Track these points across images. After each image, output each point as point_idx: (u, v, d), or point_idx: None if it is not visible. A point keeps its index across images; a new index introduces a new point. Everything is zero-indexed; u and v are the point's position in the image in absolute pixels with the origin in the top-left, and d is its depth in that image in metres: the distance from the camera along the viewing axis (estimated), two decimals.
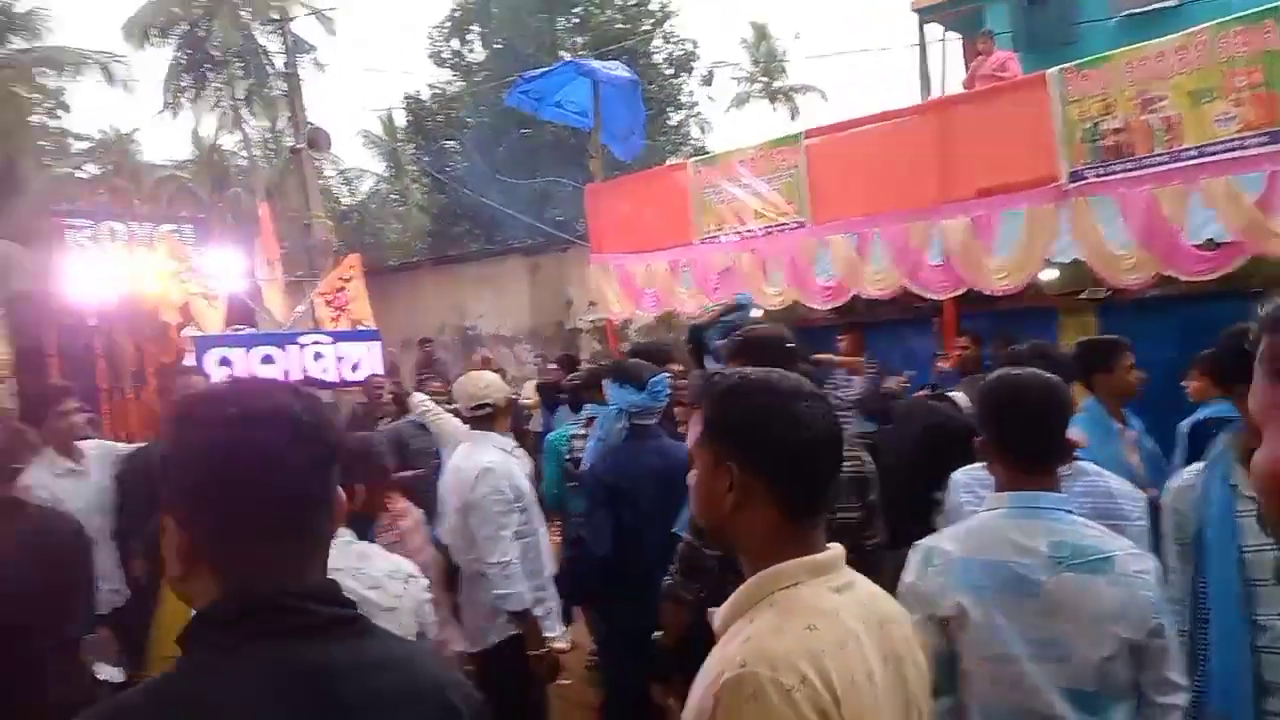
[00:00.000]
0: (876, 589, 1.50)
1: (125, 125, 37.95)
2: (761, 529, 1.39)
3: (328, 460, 1.16)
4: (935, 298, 6.59)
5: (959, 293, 6.39)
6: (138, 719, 1.05)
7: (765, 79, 33.63)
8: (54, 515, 3.32)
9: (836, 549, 1.43)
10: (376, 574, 2.39)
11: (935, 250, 6.45)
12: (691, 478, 1.48)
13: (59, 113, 29.67)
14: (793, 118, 32.91)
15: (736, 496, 1.39)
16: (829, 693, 1.22)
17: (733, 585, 2.65)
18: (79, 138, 30.94)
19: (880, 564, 2.98)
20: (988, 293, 6.20)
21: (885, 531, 3.01)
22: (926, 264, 6.49)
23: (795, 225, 7.43)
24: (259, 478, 1.10)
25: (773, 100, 33.59)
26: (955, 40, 14.99)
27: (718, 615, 1.43)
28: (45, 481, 4.22)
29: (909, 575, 2.10)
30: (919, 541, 2.16)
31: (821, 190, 7.30)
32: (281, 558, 1.11)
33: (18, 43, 23.39)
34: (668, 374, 3.92)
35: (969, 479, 2.84)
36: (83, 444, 4.66)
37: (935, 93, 13.63)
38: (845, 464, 2.82)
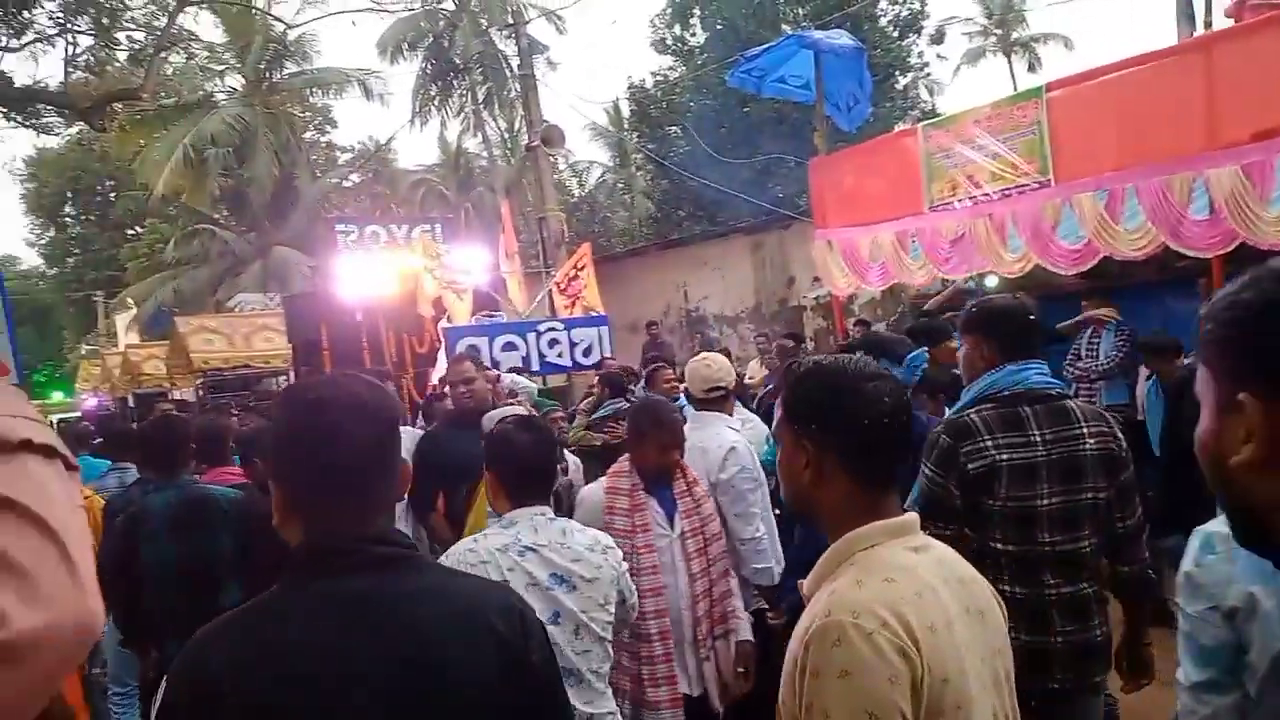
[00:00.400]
0: (954, 553, 1.57)
1: (382, 135, 41.41)
2: (838, 499, 1.51)
3: (387, 438, 1.44)
4: (1200, 256, 5.94)
5: (1229, 249, 5.72)
6: (234, 627, 1.35)
7: (1000, 31, 31.60)
8: None
9: (911, 515, 1.53)
10: (578, 547, 2.48)
11: (1200, 203, 5.81)
12: (779, 456, 1.61)
13: (327, 128, 32.93)
14: (1031, 70, 30.76)
15: (813, 471, 1.51)
16: (908, 636, 1.32)
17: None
18: (343, 150, 34.17)
19: (1135, 547, 2.75)
20: (1264, 248, 5.51)
21: (1140, 513, 2.75)
22: (1189, 219, 5.86)
23: (1036, 185, 6.95)
24: (326, 450, 1.38)
25: (1009, 54, 31.51)
26: None
27: (806, 583, 1.53)
28: None
29: (1186, 563, 1.91)
30: (1198, 527, 1.95)
31: (1065, 146, 6.77)
32: (347, 511, 1.38)
33: (291, 67, 26.09)
34: (924, 350, 3.80)
35: None
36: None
37: (1199, 31, 12.27)
38: (1091, 440, 2.64)
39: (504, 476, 2.52)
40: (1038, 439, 2.61)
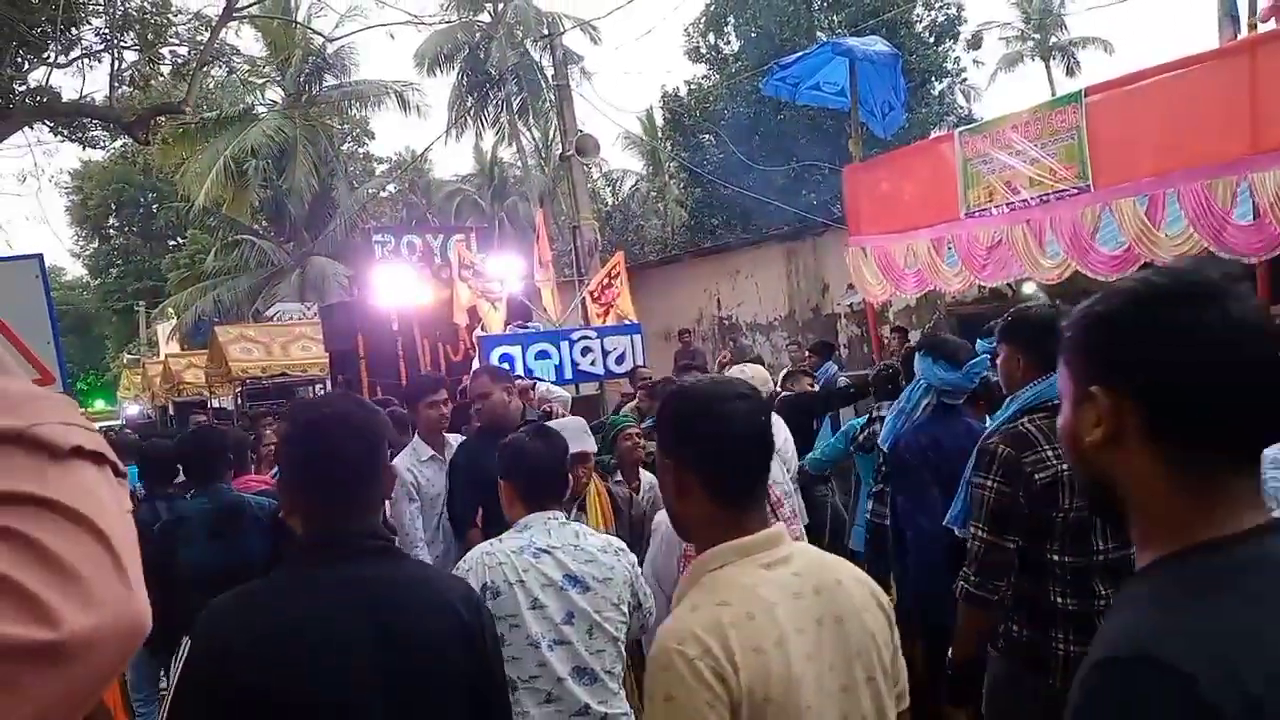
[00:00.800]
0: (823, 558, 1.65)
1: (418, 146, 41.88)
2: (700, 516, 1.60)
3: (373, 449, 1.73)
4: (1246, 260, 5.84)
5: (1274, 253, 5.63)
6: (245, 601, 1.64)
7: (1038, 35, 31.28)
8: None
9: (775, 528, 1.59)
10: (591, 549, 2.56)
11: (1244, 208, 5.73)
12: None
13: (364, 140, 33.37)
14: (1069, 74, 30.40)
15: (677, 490, 1.60)
16: (729, 661, 1.41)
17: (1028, 583, 2.47)
18: (380, 161, 34.59)
19: None
20: None
21: None
22: (1233, 223, 5.78)
23: (1075, 191, 6.88)
24: (322, 462, 1.68)
25: (1047, 59, 31.17)
26: None
27: (672, 602, 1.63)
28: (409, 465, 4.46)
29: None
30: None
31: (1105, 151, 6.71)
32: (338, 510, 1.68)
33: (330, 80, 26.47)
34: (985, 357, 3.70)
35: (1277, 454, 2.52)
36: (449, 435, 4.77)
37: (1244, 33, 12.06)
38: None
39: (518, 484, 2.61)
40: None
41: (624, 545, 2.69)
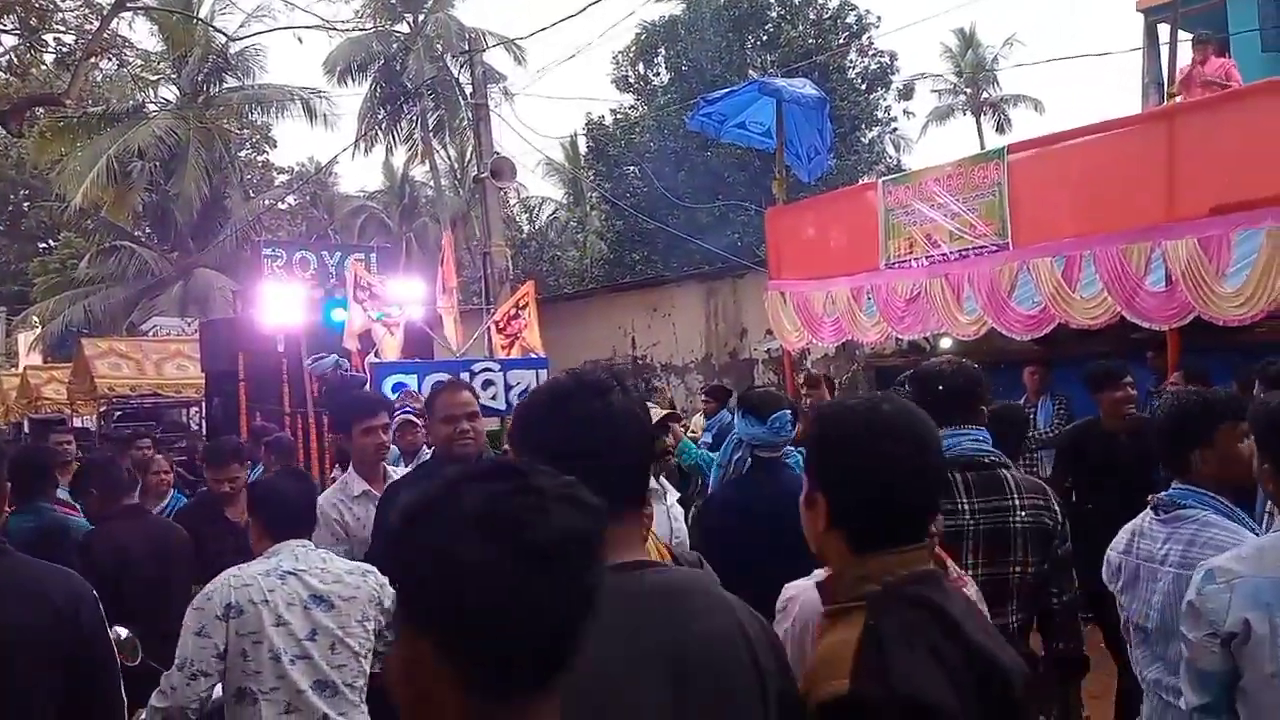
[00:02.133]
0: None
1: (324, 158, 41.23)
2: None
3: None
4: (1156, 327, 6.12)
5: (1185, 322, 5.91)
6: None
7: (970, 90, 32.63)
8: (167, 524, 4.17)
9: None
10: (338, 570, 2.97)
11: (1158, 275, 6.01)
12: None
13: (265, 147, 32.72)
14: (999, 131, 31.74)
15: None
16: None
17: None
18: (281, 171, 33.94)
19: (1070, 625, 2.79)
20: (1219, 323, 5.70)
21: (1076, 587, 2.80)
22: (1146, 289, 6.05)
23: (994, 248, 7.12)
24: None
25: (978, 114, 32.52)
26: (1187, 42, 14.00)
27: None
28: (336, 500, 4.08)
29: (1190, 594, 2.15)
30: (1203, 562, 2.21)
31: (1025, 209, 6.97)
32: None
33: (231, 82, 25.95)
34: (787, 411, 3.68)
35: None
36: (391, 468, 4.43)
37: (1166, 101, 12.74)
38: (1023, 512, 2.65)
39: (270, 520, 2.97)
40: (965, 507, 2.62)
41: (371, 568, 3.05)
